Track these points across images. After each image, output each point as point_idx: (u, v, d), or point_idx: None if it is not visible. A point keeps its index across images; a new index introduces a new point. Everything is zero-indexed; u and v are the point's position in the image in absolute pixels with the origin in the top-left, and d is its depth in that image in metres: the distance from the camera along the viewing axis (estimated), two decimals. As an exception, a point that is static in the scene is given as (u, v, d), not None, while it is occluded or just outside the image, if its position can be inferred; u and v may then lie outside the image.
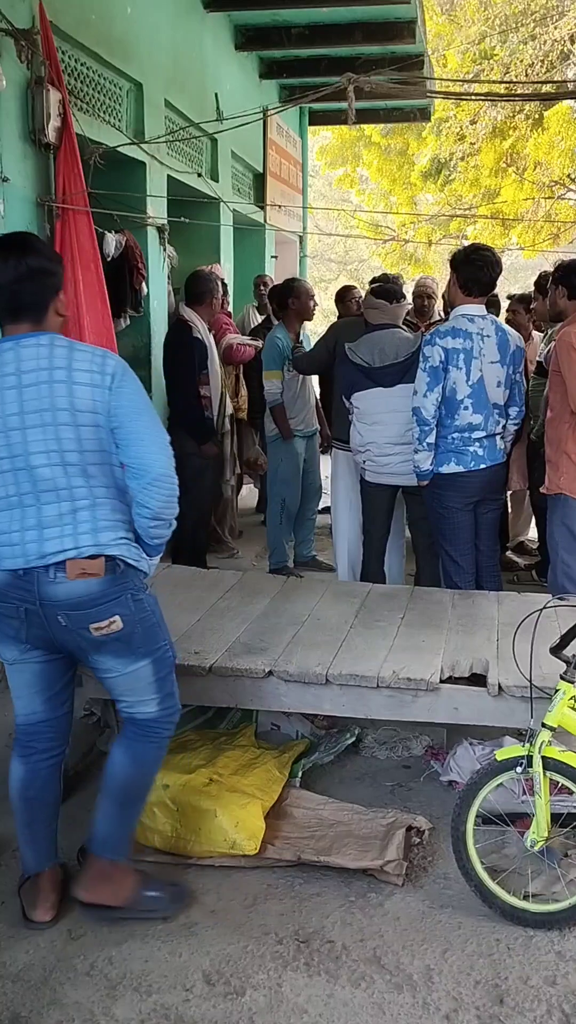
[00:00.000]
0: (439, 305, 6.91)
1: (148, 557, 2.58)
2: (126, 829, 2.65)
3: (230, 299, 8.02)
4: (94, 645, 2.49)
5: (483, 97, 10.39)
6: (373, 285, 5.16)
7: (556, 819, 2.79)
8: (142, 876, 2.72)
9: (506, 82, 11.38)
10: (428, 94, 8.76)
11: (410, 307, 6.27)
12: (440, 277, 10.24)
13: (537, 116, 13.73)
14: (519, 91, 9.89)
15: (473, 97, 10.20)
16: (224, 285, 6.61)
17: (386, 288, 4.96)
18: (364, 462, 4.75)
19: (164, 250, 6.24)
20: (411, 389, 4.45)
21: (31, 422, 2.37)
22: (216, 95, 7.40)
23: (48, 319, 2.49)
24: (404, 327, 4.93)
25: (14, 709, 2.68)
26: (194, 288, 5.69)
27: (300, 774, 3.37)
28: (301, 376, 5.78)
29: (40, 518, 2.41)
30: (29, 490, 2.41)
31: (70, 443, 2.39)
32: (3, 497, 2.43)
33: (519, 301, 6.26)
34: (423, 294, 6.86)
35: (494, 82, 12.02)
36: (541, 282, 5.57)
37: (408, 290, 6.97)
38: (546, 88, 9.93)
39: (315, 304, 6.00)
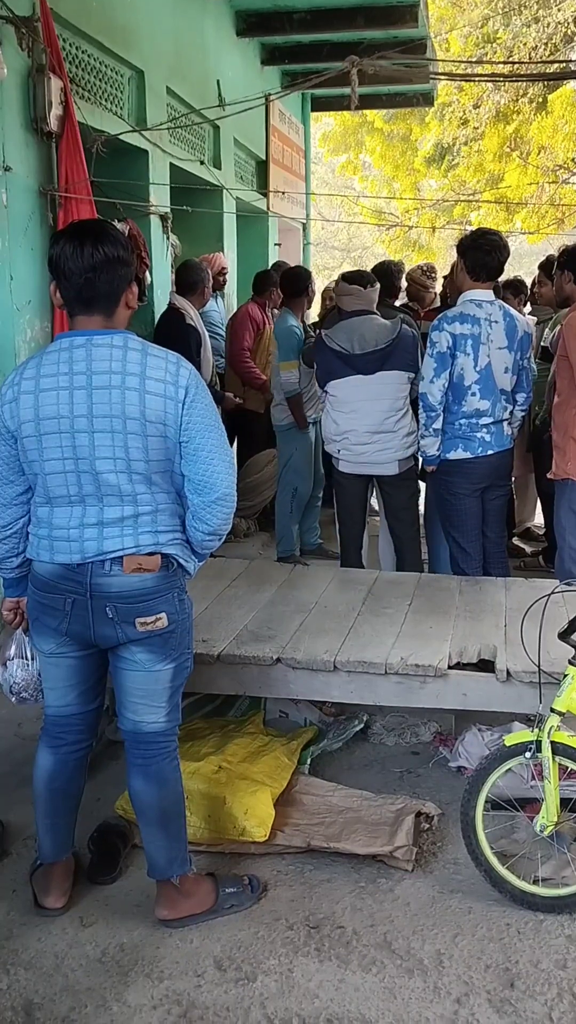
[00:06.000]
0: (438, 289, 6.87)
1: (195, 559, 2.58)
2: (179, 843, 2.63)
3: (234, 288, 8.01)
4: (134, 640, 2.48)
5: (487, 78, 10.33)
6: (344, 272, 5.11)
7: (565, 804, 2.79)
8: (215, 877, 2.73)
9: (510, 62, 11.31)
10: (431, 76, 8.71)
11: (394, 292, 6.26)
12: (444, 264, 10.19)
13: (541, 100, 13.64)
14: (523, 72, 9.82)
15: (477, 78, 10.13)
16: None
17: (359, 273, 4.87)
18: (339, 451, 4.68)
19: (167, 239, 6.23)
20: (392, 376, 4.45)
21: (99, 427, 2.34)
22: (218, 82, 7.37)
23: (119, 311, 2.46)
24: (378, 312, 4.84)
25: (45, 700, 2.68)
26: (186, 277, 5.71)
27: (309, 761, 3.38)
28: None
29: (102, 518, 2.40)
30: (92, 492, 2.40)
31: (137, 452, 2.36)
32: (63, 495, 2.41)
33: (507, 287, 6.23)
34: (414, 280, 6.82)
35: (497, 62, 11.95)
36: (547, 266, 5.55)
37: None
38: (552, 68, 9.85)
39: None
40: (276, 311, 6.46)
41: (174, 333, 5.47)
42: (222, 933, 2.59)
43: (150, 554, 2.43)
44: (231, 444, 6.34)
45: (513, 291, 6.11)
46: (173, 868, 2.60)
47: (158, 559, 2.44)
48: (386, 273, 5.76)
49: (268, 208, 9.13)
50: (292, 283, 5.94)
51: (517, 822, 2.92)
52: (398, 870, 2.84)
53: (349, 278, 4.80)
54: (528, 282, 6.45)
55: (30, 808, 2.75)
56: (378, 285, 4.88)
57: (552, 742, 2.63)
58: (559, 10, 12.87)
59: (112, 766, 3.35)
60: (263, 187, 9.05)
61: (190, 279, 5.70)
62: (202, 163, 7.19)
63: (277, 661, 3.18)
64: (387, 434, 4.48)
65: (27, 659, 2.74)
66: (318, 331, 5.08)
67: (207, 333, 5.84)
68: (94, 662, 2.60)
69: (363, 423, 4.52)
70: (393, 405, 4.48)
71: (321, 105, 11.33)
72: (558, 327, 4.58)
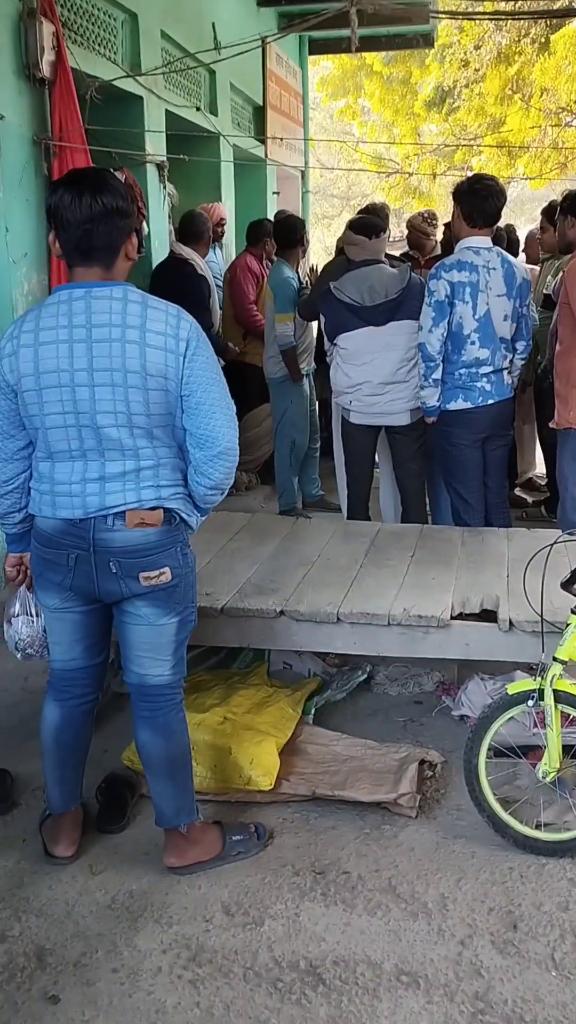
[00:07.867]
0: (440, 236, 6.77)
1: (197, 513, 2.57)
2: (186, 793, 2.66)
3: (232, 238, 7.90)
4: (138, 594, 2.48)
5: (489, 16, 10.05)
6: (352, 220, 5.00)
7: (567, 751, 2.82)
8: (222, 825, 2.77)
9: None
10: (431, 15, 8.49)
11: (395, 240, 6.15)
12: (445, 211, 10.00)
13: (543, 40, 13.32)
14: (526, 9, 9.56)
15: (479, 16, 9.85)
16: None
17: (365, 223, 4.77)
18: (351, 403, 4.63)
19: (164, 188, 6.13)
20: (403, 326, 4.39)
21: (100, 380, 2.32)
22: (213, 25, 7.20)
23: (118, 262, 2.42)
24: (387, 261, 4.76)
25: (50, 654, 2.70)
26: (191, 227, 5.63)
27: (313, 711, 3.41)
28: None
29: (103, 473, 2.39)
30: (93, 447, 2.38)
31: (138, 406, 2.34)
32: (64, 450, 2.40)
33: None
34: (415, 227, 6.71)
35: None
36: (549, 211, 5.46)
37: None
38: (557, 5, 9.59)
39: None
40: (271, 262, 6.38)
41: (185, 283, 5.37)
42: (229, 879, 2.63)
43: (152, 509, 2.43)
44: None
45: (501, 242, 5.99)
46: (180, 817, 2.64)
47: (160, 514, 2.44)
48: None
49: (266, 155, 8.98)
50: (286, 234, 5.83)
51: (519, 769, 2.95)
52: (402, 817, 2.88)
53: (356, 227, 4.72)
54: (528, 229, 6.35)
55: (38, 760, 2.78)
56: (385, 234, 4.80)
57: (554, 690, 2.65)
58: (563, -55, 12.52)
59: (118, 718, 3.38)
60: (260, 134, 8.89)
61: (196, 228, 5.63)
62: (198, 109, 7.06)
63: (281, 614, 3.19)
64: (399, 384, 4.44)
65: (32, 615, 2.75)
66: (327, 284, 4.98)
67: (214, 283, 5.78)
68: (99, 617, 2.61)
69: (376, 374, 4.47)
70: (405, 355, 4.43)
71: (319, 48, 11.10)
72: (560, 274, 4.53)
